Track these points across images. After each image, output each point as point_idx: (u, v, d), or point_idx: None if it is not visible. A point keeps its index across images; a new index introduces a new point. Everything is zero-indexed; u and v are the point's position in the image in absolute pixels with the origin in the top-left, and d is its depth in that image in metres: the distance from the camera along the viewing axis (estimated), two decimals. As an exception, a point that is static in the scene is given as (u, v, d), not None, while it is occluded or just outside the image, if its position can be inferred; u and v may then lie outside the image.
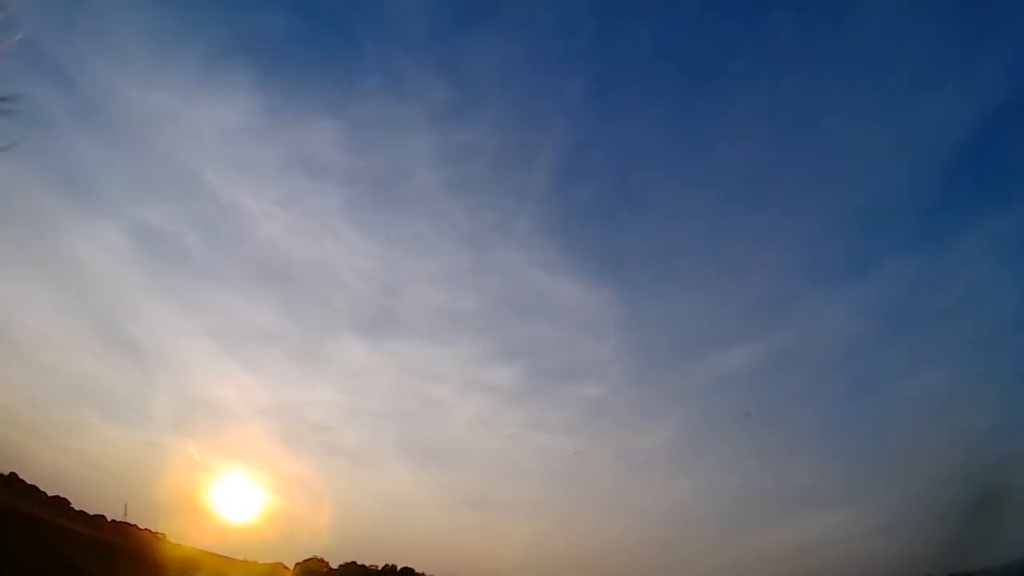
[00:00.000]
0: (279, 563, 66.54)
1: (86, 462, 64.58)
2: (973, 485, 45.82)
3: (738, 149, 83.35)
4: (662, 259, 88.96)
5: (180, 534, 60.32)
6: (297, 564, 67.55)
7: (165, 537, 61.17)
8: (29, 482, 56.11)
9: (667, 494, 73.31)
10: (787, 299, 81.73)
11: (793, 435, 74.67)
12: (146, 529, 62.08)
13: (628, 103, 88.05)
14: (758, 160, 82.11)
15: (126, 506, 61.90)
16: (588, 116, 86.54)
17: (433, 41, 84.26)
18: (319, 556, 68.68)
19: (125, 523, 60.67)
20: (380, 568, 70.38)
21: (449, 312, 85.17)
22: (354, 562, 69.47)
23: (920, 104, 73.20)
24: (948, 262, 73.92)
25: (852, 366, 75.65)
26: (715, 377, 78.04)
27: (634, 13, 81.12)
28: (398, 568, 70.38)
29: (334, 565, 68.33)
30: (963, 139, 70.78)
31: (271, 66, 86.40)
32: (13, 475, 55.21)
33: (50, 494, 57.52)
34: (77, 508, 59.02)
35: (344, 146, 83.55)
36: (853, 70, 74.68)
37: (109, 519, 60.36)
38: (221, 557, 62.43)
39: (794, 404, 77.63)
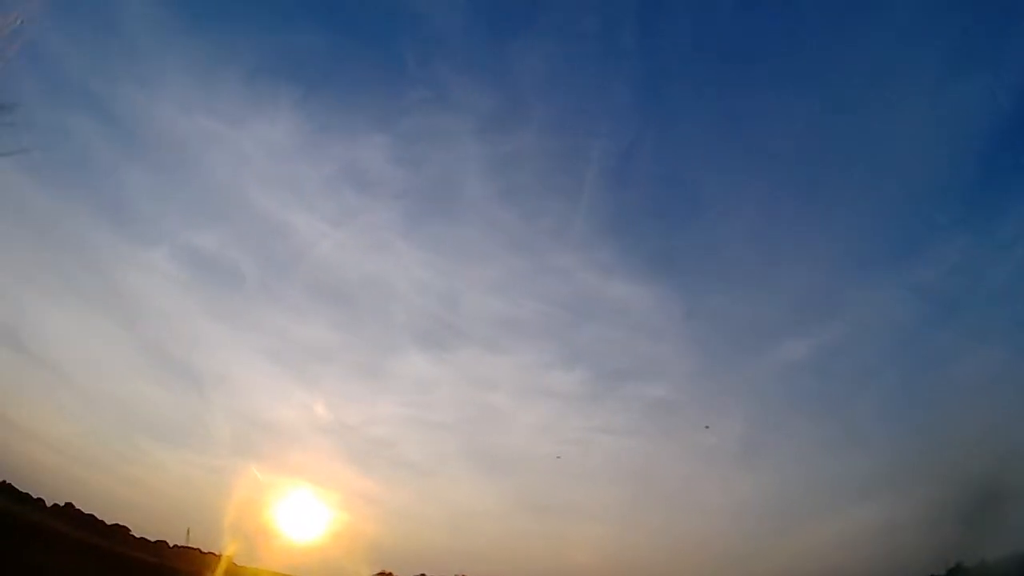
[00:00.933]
0: (348, 580, 63.36)
1: (145, 490, 63.29)
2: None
3: (782, 140, 80.00)
4: (715, 254, 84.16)
5: (245, 556, 57.02)
6: (366, 580, 64.85)
7: (230, 560, 58.66)
8: (86, 511, 54.28)
9: (732, 490, 69.31)
10: (838, 287, 76.41)
11: (853, 424, 69.51)
12: (210, 552, 59.61)
13: (674, 101, 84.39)
14: (802, 150, 78.49)
15: (188, 530, 60.18)
16: (635, 116, 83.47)
17: (474, 50, 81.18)
18: (387, 571, 65.34)
19: (188, 548, 58.44)
20: (449, 580, 66.58)
21: (508, 320, 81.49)
22: (423, 575, 66.51)
23: (955, 85, 67.78)
24: (996, 240, 67.91)
25: (905, 351, 71.00)
26: (774, 370, 73.71)
27: (675, 10, 77.74)
28: (466, 579, 66.38)
29: (403, 579, 65.62)
30: (1001, 117, 63.49)
31: (313, 84, 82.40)
32: (69, 505, 53.42)
33: (108, 523, 55.81)
34: (138, 535, 57.33)
35: (393, 160, 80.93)
36: (888, 54, 68.99)
37: (171, 544, 58.11)
38: (287, 577, 60.08)
39: (852, 392, 73.25)
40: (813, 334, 74.08)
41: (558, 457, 71.05)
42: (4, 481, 48.80)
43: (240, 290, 77.10)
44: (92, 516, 54.66)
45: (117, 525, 56.42)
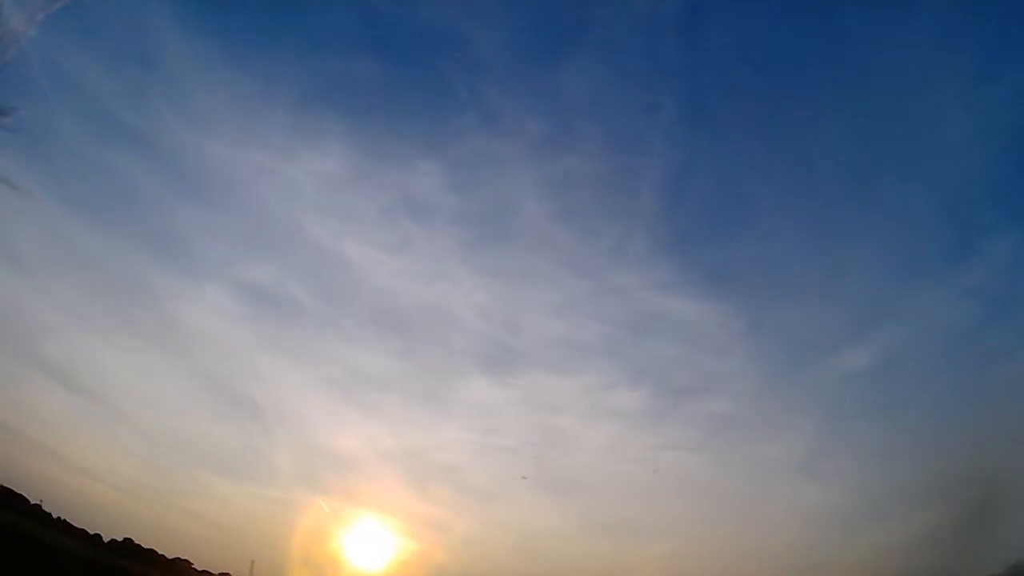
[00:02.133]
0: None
1: (208, 523, 61.67)
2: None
3: (831, 148, 79.47)
4: (772, 267, 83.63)
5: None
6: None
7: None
8: (145, 547, 51.54)
9: (797, 502, 67.84)
10: (894, 294, 76.31)
11: (913, 430, 67.69)
12: (274, 583, 56.23)
13: (721, 115, 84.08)
14: (851, 157, 78.11)
15: (252, 563, 57.38)
16: (684, 132, 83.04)
17: (521, 72, 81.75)
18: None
19: (252, 580, 55.00)
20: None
21: (570, 341, 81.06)
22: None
23: (992, 87, 68.80)
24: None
25: (961, 352, 69.90)
26: (834, 380, 73.39)
27: (716, 24, 78.08)
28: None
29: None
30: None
31: (362, 113, 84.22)
32: (128, 540, 50.91)
33: (169, 556, 53.02)
34: (200, 568, 54.58)
35: (446, 187, 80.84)
36: (925, 61, 70.86)
37: (234, 577, 54.80)
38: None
39: (911, 398, 71.98)
40: (872, 342, 73.60)
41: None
42: (60, 518, 46.47)
43: (298, 321, 76.97)
44: (152, 551, 52.12)
45: (178, 559, 54.25)
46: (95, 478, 56.25)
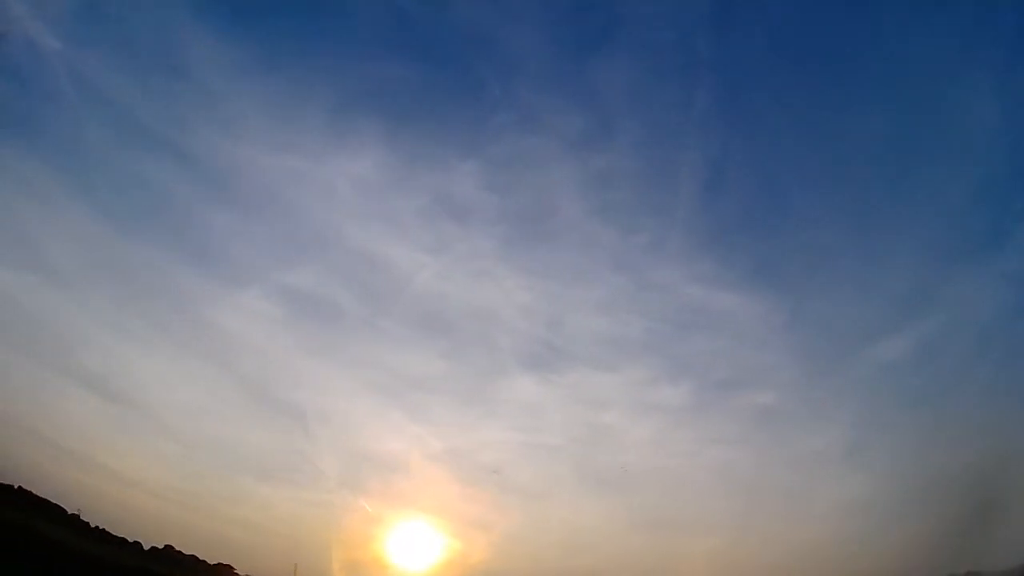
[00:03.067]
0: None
1: (251, 528, 60.35)
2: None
3: (865, 138, 78.59)
4: (812, 259, 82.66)
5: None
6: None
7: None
8: (187, 552, 50.64)
9: (841, 492, 67.00)
10: (932, 282, 75.58)
11: (957, 415, 65.62)
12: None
13: (756, 106, 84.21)
14: (885, 146, 77.56)
15: (295, 567, 56.28)
16: (720, 125, 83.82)
17: (555, 69, 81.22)
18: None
19: (295, 583, 53.80)
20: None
21: (612, 337, 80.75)
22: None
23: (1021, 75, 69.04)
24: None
25: (998, 338, 67.91)
26: (875, 370, 72.89)
27: (748, 16, 77.29)
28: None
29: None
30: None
31: (397, 115, 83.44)
32: (168, 547, 50.12)
33: (211, 562, 52.04)
34: (242, 574, 53.75)
35: (485, 186, 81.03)
36: (955, 50, 70.05)
37: (278, 581, 53.65)
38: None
39: (951, 385, 70.25)
40: (911, 330, 73.48)
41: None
42: (98, 527, 45.69)
43: (339, 325, 76.67)
44: (193, 557, 51.26)
45: (221, 564, 53.39)
46: (135, 486, 55.54)
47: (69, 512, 44.79)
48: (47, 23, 56.02)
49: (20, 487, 42.59)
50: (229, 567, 53.53)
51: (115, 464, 56.38)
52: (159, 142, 67.65)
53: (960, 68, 70.20)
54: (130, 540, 47.55)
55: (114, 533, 46.57)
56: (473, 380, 77.90)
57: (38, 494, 43.44)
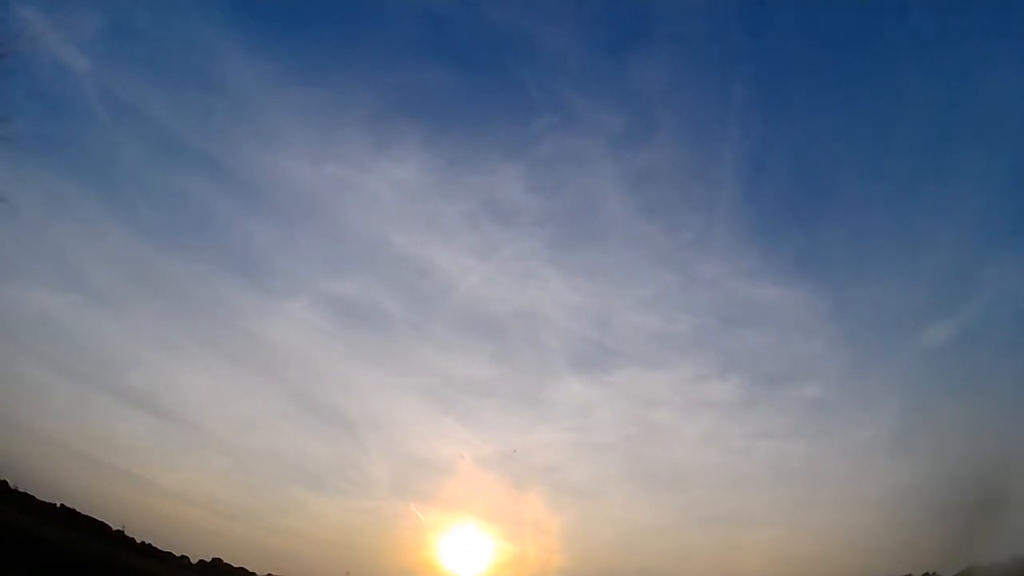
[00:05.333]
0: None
1: (303, 538, 59.69)
2: None
3: (903, 124, 76.41)
4: (855, 248, 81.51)
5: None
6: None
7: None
8: (236, 565, 49.32)
9: (892, 480, 64.66)
10: (974, 266, 73.31)
11: (1002, 400, 59.66)
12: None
13: (793, 97, 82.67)
14: (923, 132, 74.83)
15: (348, 574, 54.61)
16: (758, 117, 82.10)
17: (594, 69, 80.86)
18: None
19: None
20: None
21: (661, 334, 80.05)
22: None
23: None
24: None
25: None
26: (920, 357, 71.10)
27: (781, 5, 76.04)
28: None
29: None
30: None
31: (437, 120, 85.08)
32: (217, 560, 48.97)
33: (261, 574, 50.66)
34: None
35: (529, 188, 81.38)
36: (995, 27, 65.50)
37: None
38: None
39: (996, 368, 66.55)
40: (954, 314, 71.52)
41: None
42: (144, 542, 44.90)
43: (387, 332, 76.81)
44: (242, 569, 49.93)
45: (270, 575, 51.60)
46: (184, 500, 55.57)
47: (113, 528, 44.05)
48: (76, 44, 56.57)
49: (63, 505, 42.10)
50: (279, 577, 52.29)
51: (163, 480, 57.35)
52: (196, 157, 69.16)
53: (996, 52, 66.82)
54: (177, 554, 46.75)
55: (160, 548, 45.86)
56: (523, 382, 77.59)
57: (81, 511, 42.96)
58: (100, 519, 43.62)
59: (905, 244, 79.76)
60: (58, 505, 41.75)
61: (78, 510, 42.21)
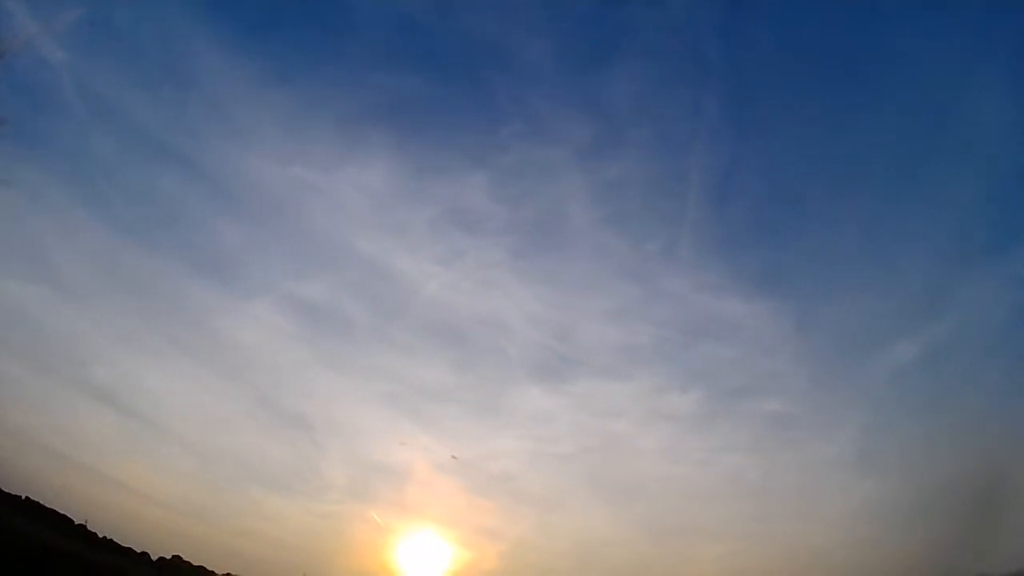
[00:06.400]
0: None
1: (261, 539, 60.21)
2: None
3: (875, 143, 78.50)
4: (822, 264, 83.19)
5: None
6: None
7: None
8: (195, 563, 50.36)
9: (850, 497, 66.85)
10: (944, 284, 74.78)
11: (967, 420, 63.57)
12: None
13: (765, 113, 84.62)
14: (895, 151, 77.35)
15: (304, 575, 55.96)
16: (729, 132, 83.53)
17: (565, 80, 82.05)
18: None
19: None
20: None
21: (623, 346, 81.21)
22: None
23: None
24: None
25: (1010, 341, 66.73)
26: (885, 375, 72.62)
27: (756, 22, 78.01)
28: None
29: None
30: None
31: (407, 126, 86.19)
32: (176, 558, 50.01)
33: (220, 572, 51.87)
34: None
35: (495, 197, 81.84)
36: (968, 47, 69.80)
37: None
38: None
39: (961, 389, 69.28)
40: (922, 333, 72.74)
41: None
42: (106, 537, 45.76)
43: (350, 336, 77.37)
44: (201, 567, 51.07)
45: (229, 575, 53.02)
46: (145, 498, 55.90)
47: (76, 523, 44.83)
48: (54, 36, 56.38)
49: (27, 497, 42.84)
50: (236, 577, 53.37)
51: (124, 476, 56.90)
52: (169, 154, 69.00)
53: (969, 71, 69.82)
54: (138, 550, 47.61)
55: (122, 544, 46.67)
56: (483, 390, 78.05)
57: (46, 504, 43.72)
58: (64, 512, 44.60)
59: (874, 262, 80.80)
60: (23, 497, 42.50)
61: (44, 503, 43.05)
